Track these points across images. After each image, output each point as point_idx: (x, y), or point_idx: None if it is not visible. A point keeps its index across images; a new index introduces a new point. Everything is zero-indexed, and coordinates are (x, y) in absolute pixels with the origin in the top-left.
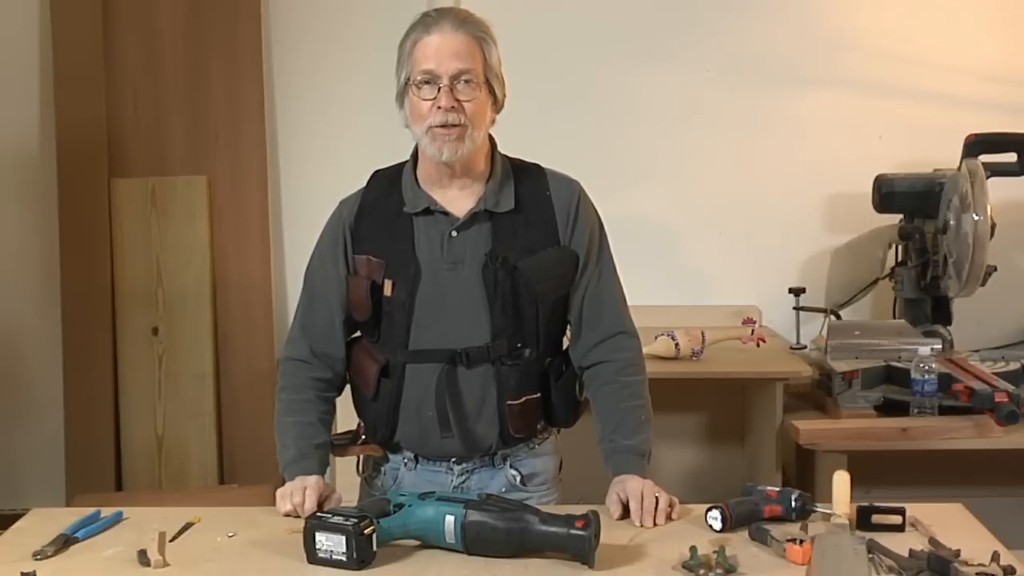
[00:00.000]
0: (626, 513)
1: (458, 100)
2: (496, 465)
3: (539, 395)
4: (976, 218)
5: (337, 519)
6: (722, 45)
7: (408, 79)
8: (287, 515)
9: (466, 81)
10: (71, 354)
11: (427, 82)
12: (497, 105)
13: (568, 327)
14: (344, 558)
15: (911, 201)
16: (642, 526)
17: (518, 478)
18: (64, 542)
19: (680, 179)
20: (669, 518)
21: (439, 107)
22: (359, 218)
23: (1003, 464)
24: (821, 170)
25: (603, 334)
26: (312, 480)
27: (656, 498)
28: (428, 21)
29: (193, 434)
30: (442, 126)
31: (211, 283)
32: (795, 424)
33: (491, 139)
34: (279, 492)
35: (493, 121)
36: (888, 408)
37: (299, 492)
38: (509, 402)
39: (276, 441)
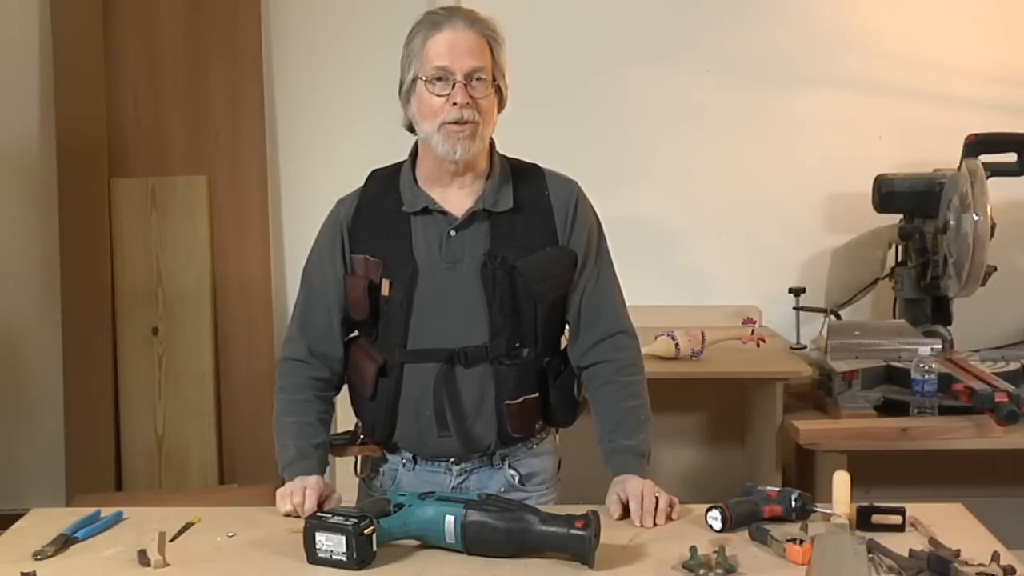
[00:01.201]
0: (626, 513)
1: (472, 97)
2: (495, 465)
3: (537, 395)
4: (976, 218)
5: (337, 519)
6: (722, 45)
7: (417, 76)
8: (287, 515)
9: (479, 79)
10: (71, 354)
11: (440, 78)
12: (501, 104)
13: (566, 327)
14: (344, 558)
15: (911, 201)
16: (642, 526)
17: (517, 478)
18: (64, 542)
19: (680, 179)
20: (669, 518)
21: (454, 103)
22: (357, 217)
23: (1003, 464)
24: (821, 170)
25: (601, 334)
26: (312, 480)
27: (656, 498)
28: (438, 18)
29: (193, 434)
30: (456, 123)
31: (211, 283)
32: (795, 424)
33: (490, 140)
34: (279, 492)
35: (495, 121)
36: (888, 408)
37: (299, 492)
38: (507, 402)
39: (275, 441)
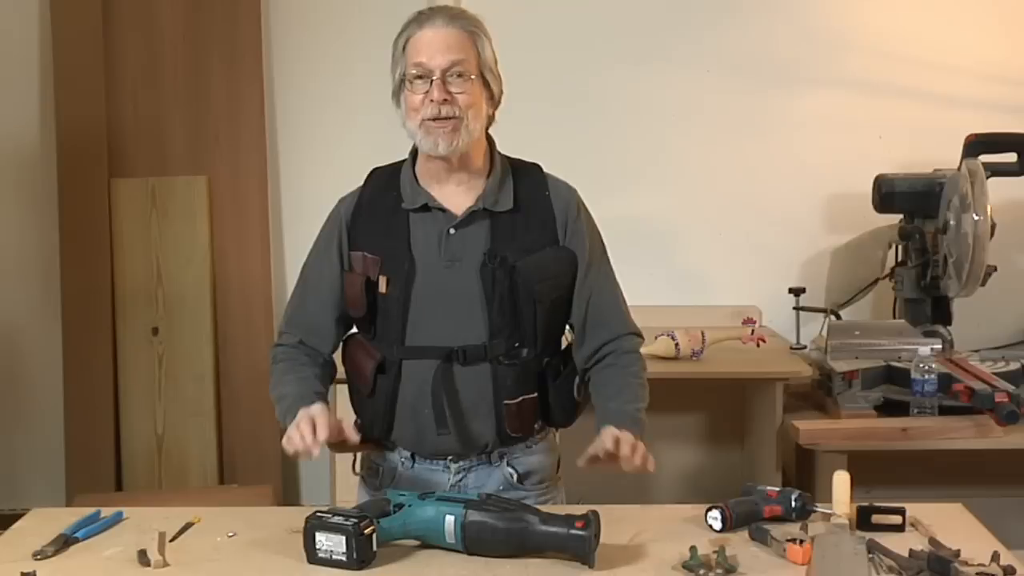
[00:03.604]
0: (595, 461)
1: (450, 92)
2: (493, 463)
3: (536, 395)
4: (976, 218)
5: (337, 519)
6: (722, 45)
7: (403, 75)
8: (291, 443)
9: (458, 74)
10: (71, 354)
11: (419, 76)
12: (494, 101)
13: (567, 328)
14: (344, 558)
15: (911, 201)
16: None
17: (515, 476)
18: (64, 542)
19: (680, 179)
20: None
21: (431, 100)
22: (356, 215)
23: (1003, 464)
24: (821, 170)
25: (608, 337)
26: (317, 408)
27: (632, 447)
28: (421, 18)
29: (193, 434)
30: (435, 119)
31: (211, 283)
32: (795, 424)
33: (490, 139)
34: (285, 436)
35: (491, 118)
36: (888, 408)
37: (305, 420)
38: (506, 402)
39: (275, 407)
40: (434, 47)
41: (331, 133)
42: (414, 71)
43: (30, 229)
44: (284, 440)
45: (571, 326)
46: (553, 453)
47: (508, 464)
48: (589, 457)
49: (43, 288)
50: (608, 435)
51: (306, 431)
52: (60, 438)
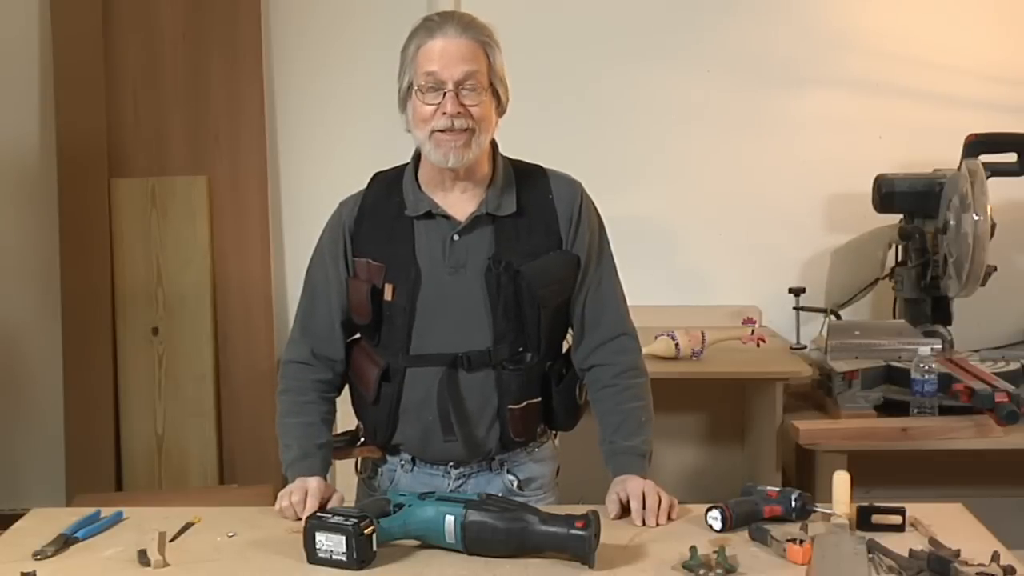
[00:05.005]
0: (625, 513)
1: (463, 105)
2: (493, 470)
3: (539, 399)
4: (976, 218)
5: (337, 519)
6: (722, 45)
7: (411, 84)
8: (282, 513)
9: (471, 87)
10: (71, 354)
11: (432, 87)
12: (500, 108)
13: (570, 330)
14: (344, 558)
15: (911, 201)
16: (643, 524)
17: (515, 483)
18: (64, 542)
19: (680, 179)
20: (669, 518)
21: (444, 113)
22: (359, 221)
23: (1003, 464)
24: (821, 170)
25: (604, 336)
26: (314, 483)
27: (658, 497)
28: (431, 25)
29: (193, 434)
30: (446, 131)
31: (211, 283)
32: (795, 424)
33: (493, 143)
34: (280, 492)
35: (496, 124)
36: (888, 408)
37: (299, 491)
38: (510, 406)
39: (279, 442)
40: (447, 58)
41: (331, 133)
42: (425, 81)
43: (30, 229)
44: (276, 506)
45: (571, 326)
46: (554, 460)
47: (509, 472)
48: (616, 507)
49: (43, 288)
50: (635, 492)
51: (297, 506)
52: (60, 438)
